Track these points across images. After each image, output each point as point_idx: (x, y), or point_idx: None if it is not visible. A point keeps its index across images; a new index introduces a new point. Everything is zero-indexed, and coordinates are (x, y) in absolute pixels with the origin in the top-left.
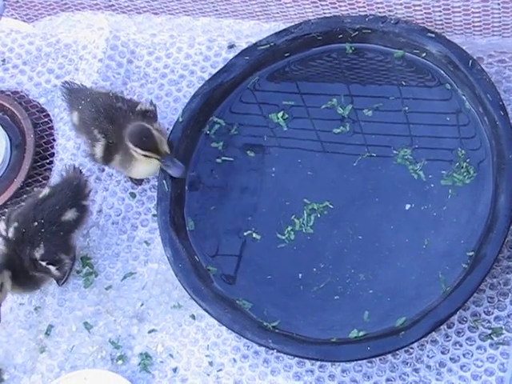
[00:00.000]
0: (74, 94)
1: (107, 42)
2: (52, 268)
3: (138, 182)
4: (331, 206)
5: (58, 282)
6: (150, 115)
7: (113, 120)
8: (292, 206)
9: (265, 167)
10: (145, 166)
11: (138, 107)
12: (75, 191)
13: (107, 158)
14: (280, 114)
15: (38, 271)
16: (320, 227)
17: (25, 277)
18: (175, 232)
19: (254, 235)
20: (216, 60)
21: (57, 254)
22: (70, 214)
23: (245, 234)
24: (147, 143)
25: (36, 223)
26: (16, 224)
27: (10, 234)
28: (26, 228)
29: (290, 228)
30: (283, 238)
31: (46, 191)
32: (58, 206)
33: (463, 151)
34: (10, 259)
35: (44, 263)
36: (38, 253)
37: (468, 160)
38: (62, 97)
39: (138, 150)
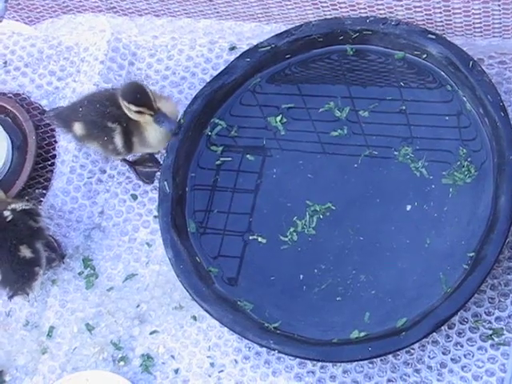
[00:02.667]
0: (65, 113)
1: (109, 44)
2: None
3: (149, 179)
4: (333, 208)
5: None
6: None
7: (118, 105)
8: (293, 208)
9: (265, 169)
10: (152, 130)
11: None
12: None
13: (128, 144)
14: (278, 118)
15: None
16: (321, 228)
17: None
18: (176, 233)
19: (256, 237)
20: (217, 62)
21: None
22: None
23: (246, 235)
24: (141, 99)
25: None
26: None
27: None
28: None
29: (292, 229)
30: (286, 239)
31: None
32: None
33: (464, 150)
34: None
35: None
36: None
37: (469, 159)
38: (53, 124)
39: (132, 107)
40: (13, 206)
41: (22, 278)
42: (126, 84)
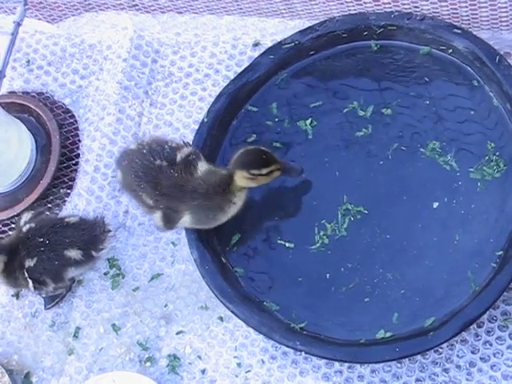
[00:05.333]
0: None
1: (131, 41)
2: (30, 283)
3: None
4: (360, 206)
5: (45, 305)
6: (192, 158)
7: (159, 183)
8: (320, 207)
9: None
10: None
11: (178, 157)
12: (91, 239)
13: (170, 225)
14: (308, 121)
15: (20, 276)
16: (349, 228)
17: (10, 270)
18: (201, 233)
19: (284, 242)
20: (241, 58)
21: (42, 276)
22: (74, 253)
23: (273, 237)
24: (268, 158)
25: (42, 239)
26: (33, 225)
27: (24, 229)
28: (35, 235)
29: (322, 233)
30: (315, 246)
31: (73, 219)
32: (68, 239)
33: (492, 144)
34: (12, 248)
35: (26, 274)
36: (28, 263)
37: (497, 153)
38: None
39: (263, 170)
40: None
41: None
42: (242, 154)
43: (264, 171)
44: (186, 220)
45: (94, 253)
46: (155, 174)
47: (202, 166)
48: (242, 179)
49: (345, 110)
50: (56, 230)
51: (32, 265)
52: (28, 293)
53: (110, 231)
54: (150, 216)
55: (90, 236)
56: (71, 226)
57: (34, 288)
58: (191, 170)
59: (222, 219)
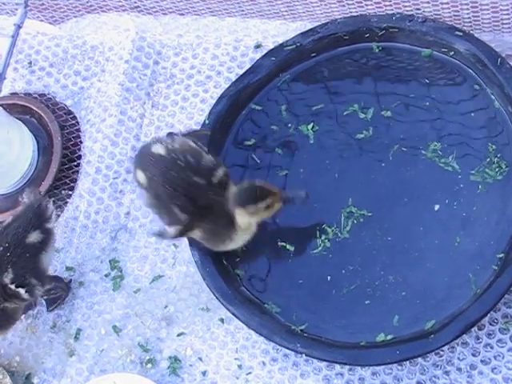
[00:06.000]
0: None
1: (133, 43)
2: (22, 291)
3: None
4: (367, 210)
5: (47, 307)
6: (225, 178)
7: (195, 199)
8: (321, 209)
9: (293, 169)
10: (250, 227)
11: (215, 178)
12: (37, 214)
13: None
14: (310, 126)
15: (9, 299)
16: (351, 230)
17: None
18: None
19: (285, 244)
20: (243, 60)
21: (25, 277)
22: (34, 236)
23: (274, 240)
24: (263, 192)
25: (1, 248)
26: None
27: None
28: None
29: (324, 237)
30: (317, 250)
31: (9, 219)
32: (21, 228)
33: (494, 146)
34: None
35: (13, 286)
36: (7, 277)
37: (499, 155)
38: None
39: (261, 204)
40: None
41: None
42: (238, 192)
43: (261, 205)
44: (197, 234)
45: (47, 225)
46: (194, 190)
47: (232, 188)
48: (242, 217)
49: (345, 113)
50: (6, 233)
51: (11, 275)
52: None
53: (42, 195)
54: (166, 226)
55: (33, 212)
56: (13, 222)
57: (28, 293)
58: (223, 192)
59: (230, 246)
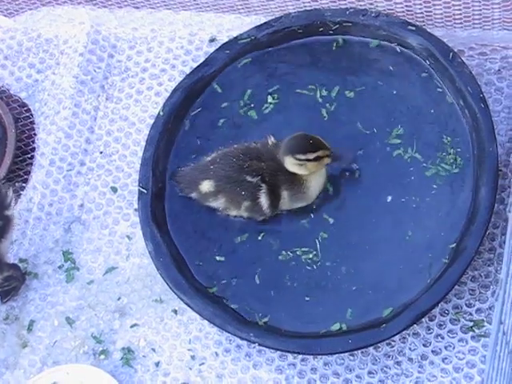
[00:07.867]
0: (191, 173)
1: (88, 36)
2: None
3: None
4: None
5: (1, 299)
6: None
7: (259, 157)
8: None
9: None
10: (317, 177)
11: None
12: None
13: (275, 203)
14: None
15: None
16: (301, 220)
17: None
18: (156, 226)
19: (238, 232)
20: (197, 54)
21: None
22: None
23: (227, 228)
24: (314, 144)
25: None
26: None
27: None
28: None
29: None
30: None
31: None
32: None
33: (449, 138)
34: None
35: None
36: None
37: (452, 149)
38: (177, 186)
39: (310, 155)
40: None
41: None
42: (289, 140)
43: (311, 156)
44: (285, 197)
45: (6, 212)
46: (256, 152)
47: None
48: (290, 165)
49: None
50: None
51: None
52: None
53: (2, 182)
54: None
55: None
56: None
57: None
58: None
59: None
